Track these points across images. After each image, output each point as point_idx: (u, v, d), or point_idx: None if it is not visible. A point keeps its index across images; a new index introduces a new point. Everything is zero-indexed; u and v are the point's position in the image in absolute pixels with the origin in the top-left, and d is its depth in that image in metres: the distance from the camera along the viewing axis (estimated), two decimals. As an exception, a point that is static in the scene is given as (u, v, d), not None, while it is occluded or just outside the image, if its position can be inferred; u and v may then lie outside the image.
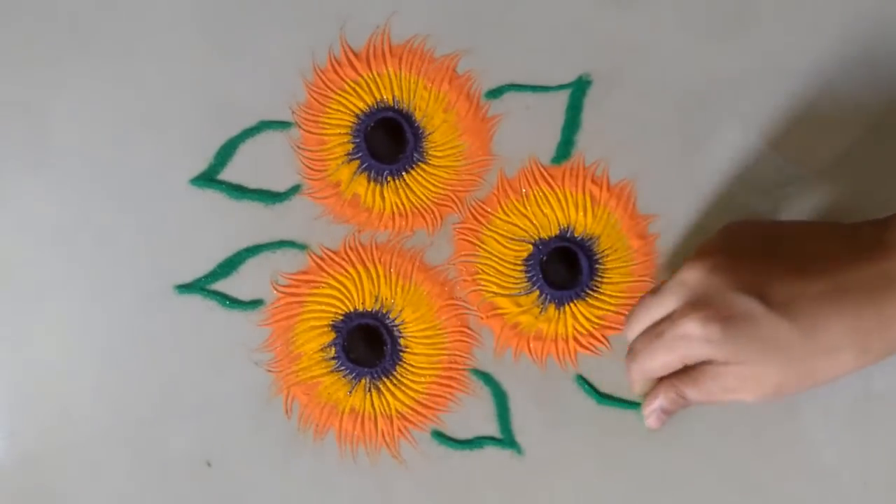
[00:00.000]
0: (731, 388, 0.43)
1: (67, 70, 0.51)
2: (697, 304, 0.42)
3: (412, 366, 0.50)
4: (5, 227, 0.51)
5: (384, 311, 0.50)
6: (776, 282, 0.42)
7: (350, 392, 0.50)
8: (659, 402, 0.46)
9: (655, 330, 0.44)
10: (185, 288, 0.50)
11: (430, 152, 0.51)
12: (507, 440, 0.49)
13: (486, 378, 0.50)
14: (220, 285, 0.50)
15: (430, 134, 0.51)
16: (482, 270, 0.50)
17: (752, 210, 0.50)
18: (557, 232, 0.51)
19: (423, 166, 0.51)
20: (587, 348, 0.50)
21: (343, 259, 0.50)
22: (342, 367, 0.50)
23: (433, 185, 0.51)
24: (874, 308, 0.41)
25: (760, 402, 0.43)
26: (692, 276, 0.43)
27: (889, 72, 0.50)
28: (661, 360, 0.44)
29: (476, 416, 0.50)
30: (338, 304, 0.50)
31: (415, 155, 0.51)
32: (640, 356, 0.45)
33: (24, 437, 0.50)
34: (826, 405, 0.49)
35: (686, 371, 0.45)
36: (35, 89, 0.51)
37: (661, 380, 0.46)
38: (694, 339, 0.42)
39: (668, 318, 0.44)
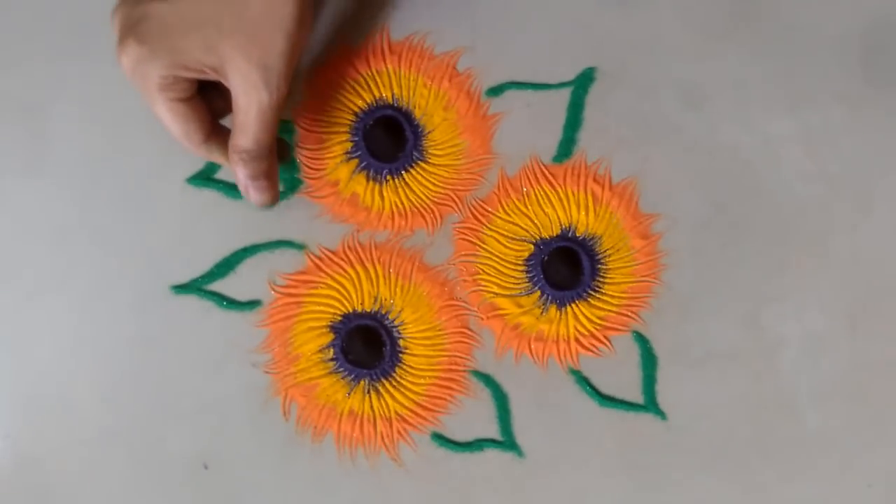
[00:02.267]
0: (245, 104, 0.43)
1: (67, 70, 0.51)
2: (117, 44, 0.43)
3: (412, 367, 0.50)
4: (4, 226, 0.51)
5: (383, 312, 0.50)
6: None
7: (349, 394, 0.49)
8: (237, 174, 0.45)
9: None
10: (181, 288, 0.50)
11: (429, 151, 0.51)
12: (507, 442, 0.49)
13: (487, 380, 0.49)
14: (218, 285, 0.50)
15: (429, 132, 0.51)
16: (483, 271, 0.50)
17: (751, 211, 0.50)
18: (559, 231, 0.50)
19: (423, 165, 0.51)
20: (589, 349, 0.49)
21: (342, 259, 0.50)
22: (341, 369, 0.50)
23: (433, 184, 0.51)
24: None
25: (272, 92, 0.43)
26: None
27: (889, 71, 0.50)
28: (160, 113, 0.44)
29: (476, 418, 0.49)
30: (336, 304, 0.50)
31: (414, 153, 0.51)
32: (164, 126, 0.44)
33: (21, 437, 0.50)
34: (828, 406, 0.49)
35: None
36: (35, 89, 0.51)
37: None
38: (133, 70, 0.43)
39: None
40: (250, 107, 0.43)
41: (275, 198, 0.46)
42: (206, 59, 0.42)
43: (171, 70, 0.43)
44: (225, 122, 0.47)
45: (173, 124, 0.44)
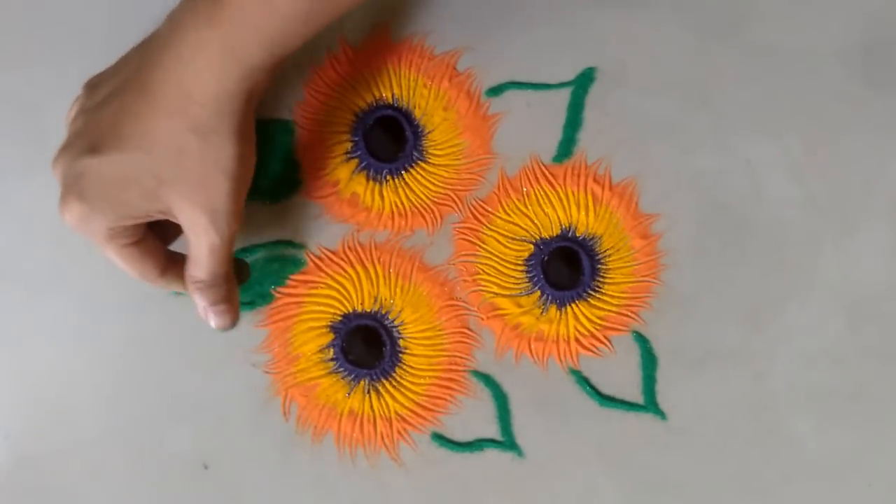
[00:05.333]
0: (196, 242, 0.42)
1: (67, 70, 0.51)
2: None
3: (412, 367, 0.50)
4: (4, 226, 0.51)
5: (383, 312, 0.50)
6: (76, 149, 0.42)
7: (349, 394, 0.49)
8: (196, 301, 0.45)
9: None
10: (181, 288, 0.50)
11: (429, 151, 0.51)
12: (507, 442, 0.49)
13: (487, 380, 0.49)
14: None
15: (429, 132, 0.51)
16: (483, 271, 0.50)
17: (753, 212, 0.50)
18: (559, 231, 0.50)
19: (423, 165, 0.51)
20: (589, 349, 0.49)
21: (342, 259, 0.50)
22: (341, 369, 0.50)
23: (433, 183, 0.51)
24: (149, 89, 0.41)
25: (221, 232, 0.42)
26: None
27: (889, 71, 0.50)
28: (113, 259, 0.44)
29: (476, 418, 0.49)
30: (336, 304, 0.50)
31: (414, 153, 0.51)
32: (121, 269, 0.44)
33: (21, 438, 0.50)
34: (828, 406, 0.49)
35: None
36: (35, 89, 0.51)
37: None
38: (78, 226, 0.42)
39: None
40: (201, 246, 0.43)
41: (235, 320, 0.46)
42: (151, 207, 0.42)
43: (117, 222, 0.42)
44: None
45: (128, 268, 0.44)
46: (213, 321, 0.45)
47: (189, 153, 0.41)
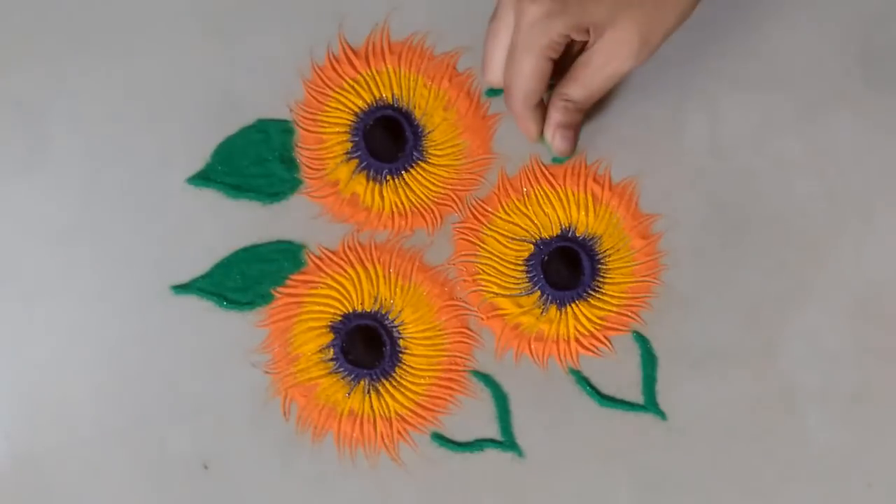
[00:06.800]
0: (603, 64, 0.43)
1: (67, 70, 0.51)
2: None
3: (412, 367, 0.50)
4: (3, 226, 0.51)
5: (383, 312, 0.50)
6: None
7: (349, 394, 0.49)
8: (553, 117, 0.45)
9: (510, 48, 0.44)
10: (181, 288, 0.50)
11: (429, 151, 0.51)
12: (507, 442, 0.49)
13: (487, 380, 0.49)
14: (218, 286, 0.50)
15: (429, 132, 0.51)
16: (482, 271, 0.50)
17: (751, 210, 0.50)
18: (559, 231, 0.50)
19: (423, 165, 0.51)
20: (589, 349, 0.49)
21: (342, 259, 0.50)
22: (341, 369, 0.50)
23: (433, 183, 0.51)
24: None
25: (636, 62, 0.43)
26: None
27: (889, 71, 0.50)
28: (528, 67, 0.43)
29: (476, 418, 0.49)
30: (336, 304, 0.50)
31: (414, 153, 0.51)
32: (511, 83, 0.44)
33: (21, 437, 0.50)
34: (828, 405, 0.49)
35: (563, 78, 0.45)
36: (35, 89, 0.51)
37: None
38: (538, 23, 0.42)
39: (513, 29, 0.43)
40: (607, 68, 0.43)
41: (573, 150, 0.47)
42: (601, 19, 0.42)
43: (571, 30, 0.42)
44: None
45: (530, 81, 0.44)
46: (559, 144, 0.46)
47: None
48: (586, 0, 0.42)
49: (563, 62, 0.45)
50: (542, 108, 0.46)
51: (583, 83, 0.44)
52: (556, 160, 0.50)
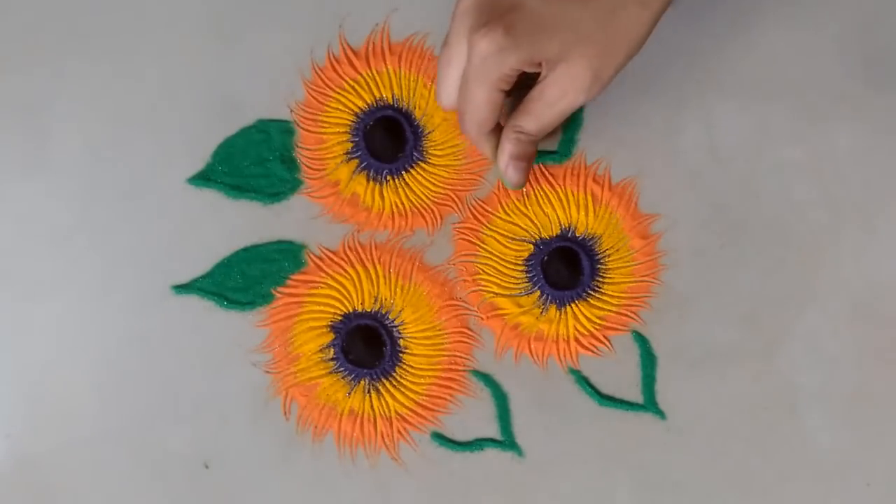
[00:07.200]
0: (556, 97, 0.43)
1: (67, 70, 0.51)
2: (475, 27, 0.42)
3: (412, 367, 0.50)
4: (4, 226, 0.51)
5: (383, 312, 0.50)
6: None
7: (349, 393, 0.49)
8: (506, 149, 0.45)
9: (462, 79, 0.44)
10: (181, 288, 0.50)
11: (429, 151, 0.51)
12: (507, 442, 0.49)
13: (487, 379, 0.49)
14: (218, 285, 0.50)
15: (429, 132, 0.51)
16: (482, 270, 0.50)
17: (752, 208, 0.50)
18: (559, 231, 0.50)
19: (423, 165, 0.51)
20: (588, 349, 0.49)
21: (342, 259, 0.50)
22: (341, 369, 0.50)
23: (433, 184, 0.51)
24: None
25: (588, 96, 0.43)
26: (462, 6, 0.43)
27: (889, 71, 0.50)
28: (480, 98, 0.44)
29: (476, 418, 0.49)
30: (337, 304, 0.50)
31: (414, 154, 0.51)
32: (464, 110, 0.45)
33: (21, 437, 0.50)
34: (828, 406, 0.49)
35: (516, 109, 0.45)
36: (35, 89, 0.51)
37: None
38: (490, 58, 0.42)
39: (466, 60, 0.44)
40: (560, 103, 0.43)
41: (525, 181, 0.46)
42: (553, 54, 0.42)
43: (522, 65, 0.43)
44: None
45: (483, 112, 0.44)
46: (512, 175, 0.46)
47: (618, 19, 0.42)
48: (538, 35, 0.42)
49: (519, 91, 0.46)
50: (497, 132, 0.46)
51: (536, 116, 0.44)
52: (555, 160, 0.50)
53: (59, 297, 0.50)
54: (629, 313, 0.50)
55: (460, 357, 0.50)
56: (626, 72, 0.50)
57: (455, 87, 0.45)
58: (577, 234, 0.50)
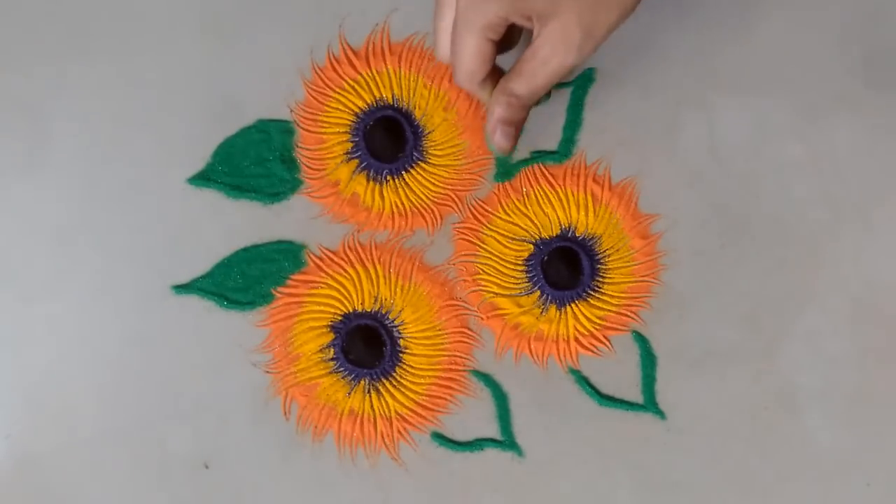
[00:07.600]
0: (547, 55, 0.43)
1: (67, 70, 0.51)
2: None
3: (412, 367, 0.50)
4: (4, 226, 0.51)
5: (383, 312, 0.50)
6: None
7: (349, 393, 0.49)
8: (495, 112, 0.45)
9: (452, 29, 0.44)
10: (181, 288, 0.50)
11: (429, 151, 0.51)
12: (507, 442, 0.49)
13: (487, 379, 0.49)
14: (218, 285, 0.50)
15: (429, 132, 0.51)
16: (482, 270, 0.50)
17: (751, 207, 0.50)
18: (559, 231, 0.50)
19: (423, 165, 0.51)
20: (588, 349, 0.49)
21: (342, 259, 0.50)
22: (341, 368, 0.50)
23: (433, 184, 0.51)
24: None
25: (579, 54, 0.43)
26: None
27: (889, 71, 0.50)
28: (468, 47, 0.43)
29: (476, 418, 0.49)
30: (337, 304, 0.50)
31: (414, 154, 0.51)
32: (455, 61, 0.44)
33: (21, 437, 0.50)
34: (828, 406, 0.49)
35: (508, 71, 0.44)
36: (35, 89, 0.51)
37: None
38: (475, 4, 0.42)
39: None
40: (551, 62, 0.43)
41: (513, 148, 0.46)
42: (542, 8, 0.42)
43: (508, 13, 0.42)
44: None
45: (471, 61, 0.44)
46: (499, 140, 0.46)
47: None
48: None
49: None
50: (493, 81, 0.46)
51: (527, 77, 0.44)
52: (555, 160, 0.50)
53: (59, 297, 0.50)
54: (629, 313, 0.50)
55: (460, 357, 0.50)
56: (626, 72, 0.50)
57: (448, 39, 0.45)
58: (577, 234, 0.50)
